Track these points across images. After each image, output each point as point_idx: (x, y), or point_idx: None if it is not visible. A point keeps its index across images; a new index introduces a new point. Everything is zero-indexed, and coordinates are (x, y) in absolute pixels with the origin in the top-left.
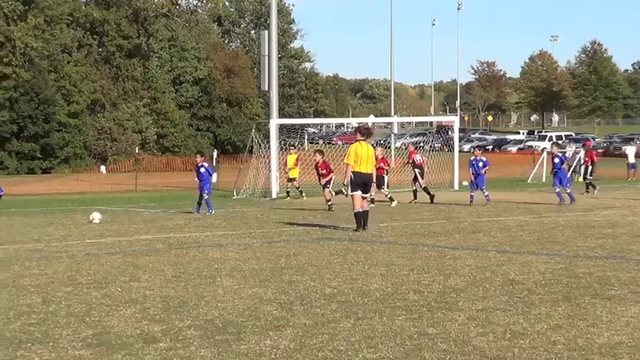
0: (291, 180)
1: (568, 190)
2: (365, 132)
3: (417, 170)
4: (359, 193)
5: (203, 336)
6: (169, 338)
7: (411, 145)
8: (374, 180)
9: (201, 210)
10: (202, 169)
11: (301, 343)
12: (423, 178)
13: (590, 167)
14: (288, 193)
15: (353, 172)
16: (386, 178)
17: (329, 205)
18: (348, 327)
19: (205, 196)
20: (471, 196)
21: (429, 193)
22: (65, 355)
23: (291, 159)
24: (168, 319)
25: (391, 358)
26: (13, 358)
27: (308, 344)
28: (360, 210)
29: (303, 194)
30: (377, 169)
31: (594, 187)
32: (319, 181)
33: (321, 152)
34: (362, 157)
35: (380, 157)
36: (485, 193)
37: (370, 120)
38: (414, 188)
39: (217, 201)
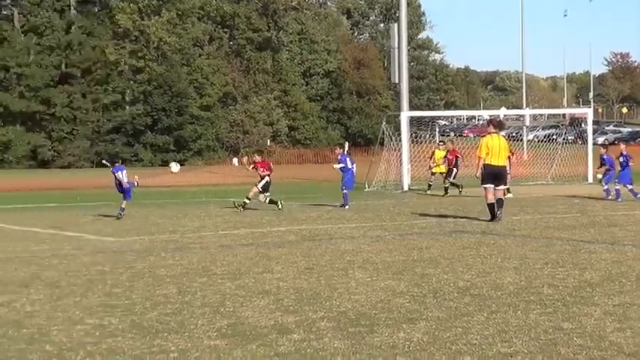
0: (434, 174)
1: None
2: (497, 124)
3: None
4: (490, 185)
5: (336, 328)
6: (303, 329)
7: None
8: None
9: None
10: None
11: (434, 336)
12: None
13: None
14: (430, 186)
15: (484, 165)
16: (455, 170)
17: (244, 202)
18: (481, 320)
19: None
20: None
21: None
22: (200, 344)
23: (439, 154)
24: (301, 311)
25: (526, 353)
26: (150, 347)
27: (441, 337)
28: (493, 202)
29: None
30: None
31: None
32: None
33: (260, 152)
34: (493, 149)
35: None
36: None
37: (502, 112)
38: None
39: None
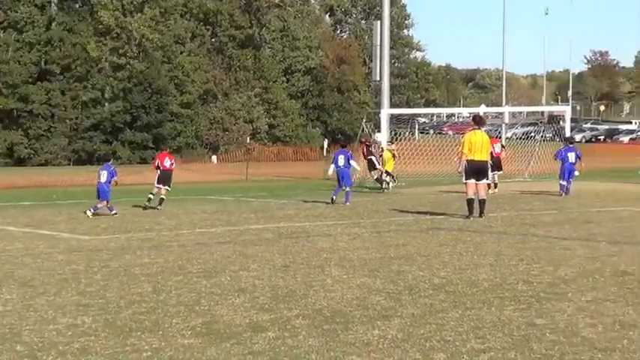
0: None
1: None
2: (478, 120)
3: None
4: (472, 181)
5: (311, 325)
6: (278, 327)
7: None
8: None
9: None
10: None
11: (409, 332)
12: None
13: None
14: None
15: (467, 161)
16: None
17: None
18: (456, 317)
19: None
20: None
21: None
22: (175, 343)
23: (387, 154)
24: (276, 309)
25: (499, 349)
26: (124, 347)
27: (415, 334)
28: (473, 197)
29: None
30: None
31: None
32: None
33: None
34: (475, 144)
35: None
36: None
37: (481, 110)
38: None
39: (328, 191)
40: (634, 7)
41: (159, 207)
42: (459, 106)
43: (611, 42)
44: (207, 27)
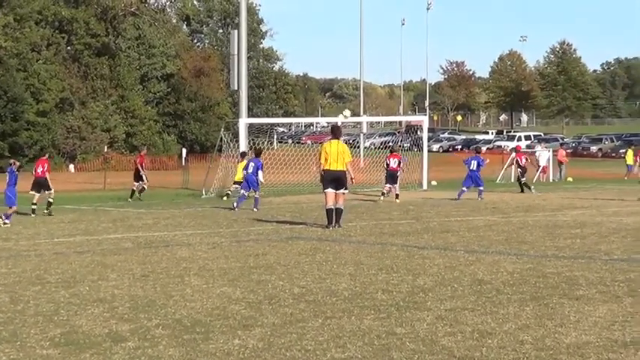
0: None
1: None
2: (335, 131)
3: (519, 170)
4: (330, 190)
5: (171, 335)
6: (137, 337)
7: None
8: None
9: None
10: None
11: (269, 342)
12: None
13: (520, 169)
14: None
15: (323, 170)
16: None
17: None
18: (316, 326)
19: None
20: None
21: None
22: (33, 354)
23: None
24: (136, 319)
25: (359, 358)
26: None
27: (276, 343)
28: (332, 207)
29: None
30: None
31: (529, 187)
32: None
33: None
34: (332, 154)
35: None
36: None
37: (339, 119)
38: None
39: (186, 200)
40: (489, 18)
41: (45, 211)
42: (317, 116)
43: (467, 53)
44: (63, 35)
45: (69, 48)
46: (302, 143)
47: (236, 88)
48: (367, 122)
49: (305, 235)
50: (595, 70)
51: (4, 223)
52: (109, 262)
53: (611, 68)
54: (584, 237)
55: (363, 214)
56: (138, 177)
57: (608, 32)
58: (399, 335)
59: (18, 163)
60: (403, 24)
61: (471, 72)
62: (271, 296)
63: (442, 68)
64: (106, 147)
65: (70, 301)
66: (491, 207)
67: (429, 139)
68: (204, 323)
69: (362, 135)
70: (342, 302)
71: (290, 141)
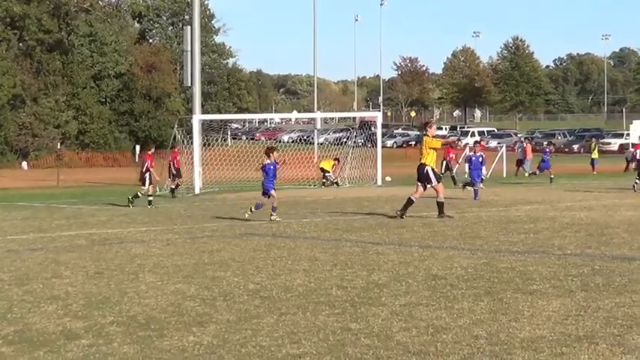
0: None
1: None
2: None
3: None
4: None
5: (126, 332)
6: (92, 335)
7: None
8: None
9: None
10: None
11: (224, 338)
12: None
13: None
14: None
15: None
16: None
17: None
18: (271, 322)
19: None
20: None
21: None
22: None
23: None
24: (90, 316)
25: (314, 354)
26: None
27: (231, 340)
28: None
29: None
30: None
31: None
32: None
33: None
34: None
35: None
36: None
37: (293, 116)
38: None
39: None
40: (443, 14)
41: None
42: (271, 112)
43: (421, 49)
44: (15, 31)
45: (21, 44)
46: (256, 140)
47: (189, 85)
48: (321, 118)
49: (259, 232)
50: (548, 66)
51: None
52: (62, 259)
53: (564, 64)
54: (537, 232)
55: (317, 210)
56: (174, 174)
57: (561, 28)
58: (353, 331)
59: None
60: (357, 20)
61: (424, 68)
62: (226, 293)
63: (396, 64)
64: (59, 144)
65: (23, 299)
66: (447, 202)
67: (383, 134)
68: (159, 320)
69: (316, 131)
70: (297, 298)
71: (244, 137)
